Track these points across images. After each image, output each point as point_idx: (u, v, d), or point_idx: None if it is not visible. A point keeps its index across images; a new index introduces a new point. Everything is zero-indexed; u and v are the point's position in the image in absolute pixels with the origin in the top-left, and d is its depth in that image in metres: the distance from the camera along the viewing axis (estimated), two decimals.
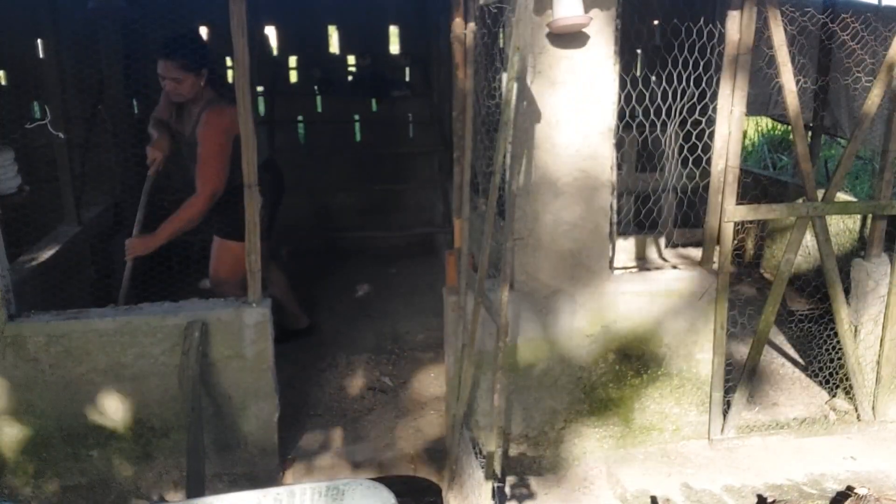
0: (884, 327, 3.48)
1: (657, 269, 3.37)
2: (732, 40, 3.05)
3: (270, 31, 5.98)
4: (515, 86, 2.55)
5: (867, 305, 3.46)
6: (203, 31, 5.51)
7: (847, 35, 3.88)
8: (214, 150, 3.45)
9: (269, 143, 5.84)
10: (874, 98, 3.23)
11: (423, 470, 3.39)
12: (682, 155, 3.31)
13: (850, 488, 3.14)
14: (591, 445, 3.36)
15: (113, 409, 3.06)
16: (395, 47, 6.35)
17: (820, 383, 3.82)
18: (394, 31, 6.27)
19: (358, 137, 6.49)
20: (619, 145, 3.11)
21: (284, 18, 5.96)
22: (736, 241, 3.27)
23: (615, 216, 3.14)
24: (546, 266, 3.09)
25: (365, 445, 3.48)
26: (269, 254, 3.92)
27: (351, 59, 6.21)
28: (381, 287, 5.40)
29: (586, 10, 2.72)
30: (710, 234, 3.29)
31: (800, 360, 4.12)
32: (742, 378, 3.46)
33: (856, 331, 3.50)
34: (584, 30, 2.82)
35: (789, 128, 3.42)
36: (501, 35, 3.11)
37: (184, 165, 3.80)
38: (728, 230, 3.24)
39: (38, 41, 4.50)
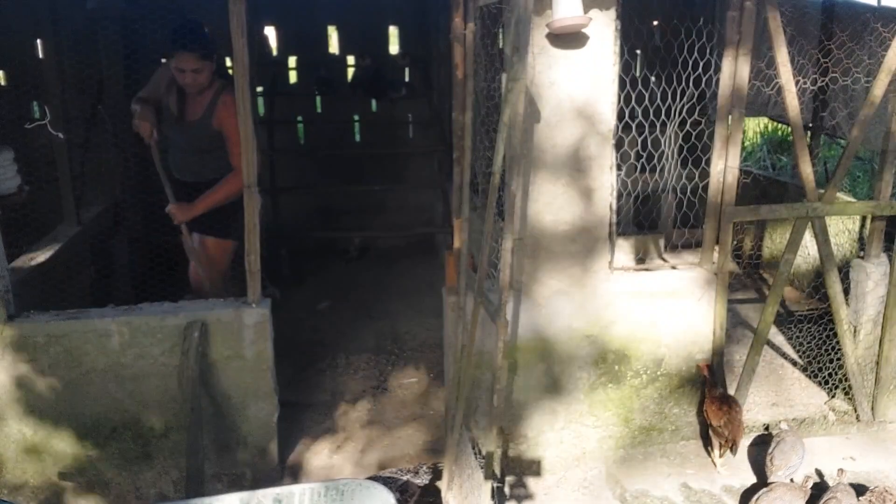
0: (883, 328, 3.48)
1: (657, 269, 3.37)
2: (732, 40, 3.05)
3: (270, 31, 5.98)
4: (515, 86, 2.55)
5: (866, 306, 3.46)
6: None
7: (846, 35, 3.88)
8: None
9: (269, 142, 5.84)
10: (874, 98, 3.23)
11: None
12: (682, 155, 3.31)
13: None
14: (590, 446, 3.36)
15: (112, 409, 3.06)
16: (395, 47, 6.35)
17: (819, 384, 3.82)
18: (394, 31, 6.27)
19: (358, 137, 6.49)
20: (618, 145, 3.11)
21: (284, 18, 5.96)
22: (735, 242, 3.27)
23: (615, 216, 3.14)
24: (546, 266, 3.09)
25: (364, 445, 3.48)
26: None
27: (351, 60, 6.21)
28: (382, 287, 5.40)
29: (586, 11, 2.72)
30: (710, 235, 3.29)
31: (799, 361, 4.12)
32: (741, 378, 3.46)
33: (855, 331, 3.50)
34: (583, 30, 2.82)
35: (789, 128, 3.43)
36: (501, 35, 3.12)
37: (184, 151, 3.77)
38: (728, 230, 3.25)
39: (38, 41, 4.50)
